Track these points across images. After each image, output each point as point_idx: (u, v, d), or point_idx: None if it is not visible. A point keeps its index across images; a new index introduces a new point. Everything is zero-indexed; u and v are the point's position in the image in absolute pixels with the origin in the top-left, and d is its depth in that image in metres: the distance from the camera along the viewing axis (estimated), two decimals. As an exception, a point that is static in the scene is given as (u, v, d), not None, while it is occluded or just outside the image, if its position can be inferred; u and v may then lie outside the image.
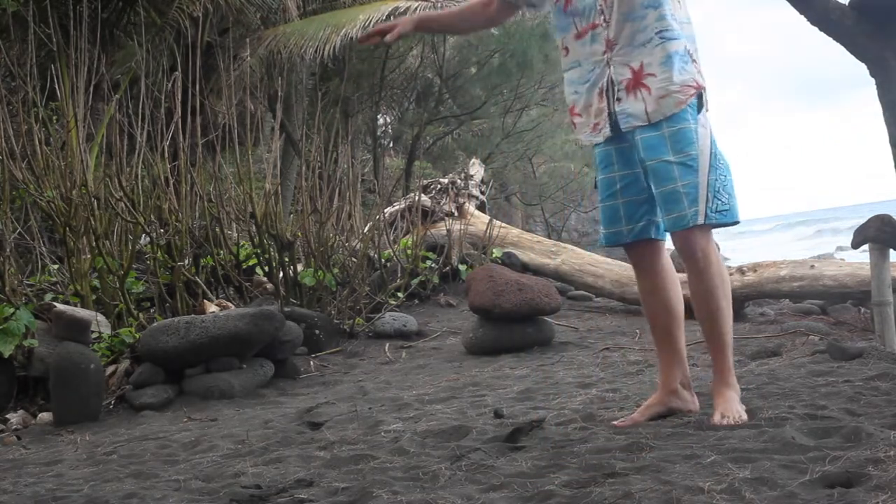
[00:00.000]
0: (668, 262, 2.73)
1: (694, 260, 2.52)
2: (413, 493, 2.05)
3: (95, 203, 4.97)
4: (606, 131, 2.61)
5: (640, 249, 2.69)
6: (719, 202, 2.49)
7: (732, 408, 2.47)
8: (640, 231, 2.65)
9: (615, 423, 2.59)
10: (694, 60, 2.55)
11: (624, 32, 2.54)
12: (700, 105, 2.53)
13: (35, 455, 3.17)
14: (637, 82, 2.53)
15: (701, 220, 2.47)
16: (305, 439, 2.88)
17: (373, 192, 12.37)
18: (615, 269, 7.05)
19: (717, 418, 2.44)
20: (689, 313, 2.69)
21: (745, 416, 2.45)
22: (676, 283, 2.71)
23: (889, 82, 4.33)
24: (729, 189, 2.53)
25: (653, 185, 2.55)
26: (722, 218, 2.50)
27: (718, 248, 2.70)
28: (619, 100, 2.56)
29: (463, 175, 8.87)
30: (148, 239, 5.38)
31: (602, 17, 2.57)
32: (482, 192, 9.23)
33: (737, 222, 2.56)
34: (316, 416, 3.28)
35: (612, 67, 2.57)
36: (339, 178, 6.41)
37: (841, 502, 1.69)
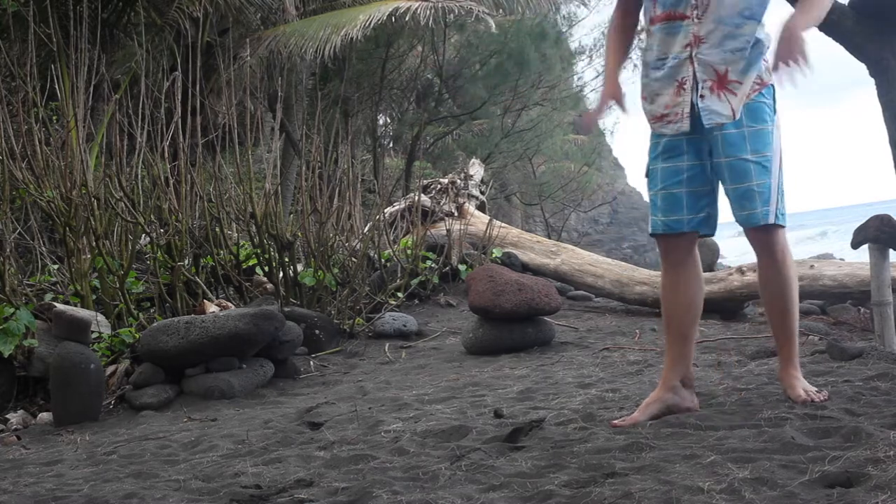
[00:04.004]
0: (696, 259, 2.75)
1: (773, 256, 2.61)
2: (413, 493, 2.06)
3: (95, 203, 4.97)
4: (683, 126, 2.60)
5: (677, 242, 2.69)
6: (783, 204, 2.59)
7: (809, 387, 2.61)
8: (699, 223, 2.67)
9: (614, 422, 2.59)
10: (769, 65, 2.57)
11: (716, 33, 2.54)
12: (775, 104, 2.59)
13: (35, 455, 3.17)
14: (722, 85, 2.54)
15: (772, 220, 2.55)
16: (305, 439, 2.88)
17: (373, 192, 12.37)
18: (615, 269, 7.05)
19: (801, 394, 2.55)
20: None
21: (825, 393, 2.58)
22: (700, 282, 2.74)
23: (889, 82, 4.34)
24: (784, 193, 2.61)
25: (727, 181, 2.59)
26: (783, 220, 2.59)
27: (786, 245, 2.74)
28: (702, 97, 2.56)
29: (463, 175, 8.87)
30: (148, 239, 5.38)
31: (694, 12, 2.55)
32: (482, 192, 9.23)
33: (785, 227, 2.65)
34: (316, 416, 3.28)
35: (696, 64, 2.56)
36: (339, 178, 6.41)
37: (841, 502, 1.69)
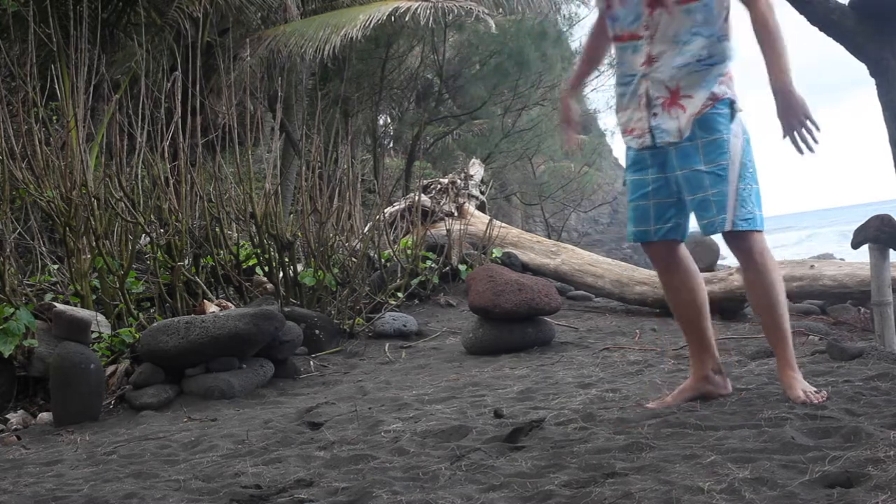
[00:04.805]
0: (686, 260, 2.82)
1: (750, 261, 2.64)
2: (413, 493, 2.06)
3: (95, 203, 4.97)
4: (646, 141, 2.68)
5: (659, 249, 2.80)
6: (744, 210, 2.58)
7: (808, 387, 2.61)
8: (667, 232, 2.75)
9: (649, 405, 2.74)
10: (731, 77, 2.62)
11: (667, 52, 2.60)
12: (732, 114, 2.59)
13: (35, 455, 3.17)
14: (673, 102, 2.60)
15: (728, 228, 2.58)
16: (305, 439, 2.88)
17: (373, 192, 12.37)
18: (615, 269, 7.05)
19: (800, 395, 2.55)
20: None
21: (824, 394, 2.58)
22: (696, 279, 2.81)
23: (889, 82, 4.34)
24: (755, 198, 2.61)
25: (686, 192, 2.64)
26: (746, 226, 2.59)
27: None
28: (655, 114, 2.64)
29: (463, 175, 8.87)
30: (148, 239, 5.38)
31: (646, 31, 2.63)
32: (482, 192, 9.23)
33: (760, 231, 2.64)
34: (316, 416, 3.28)
35: (649, 83, 2.64)
36: (339, 178, 6.41)
37: (841, 502, 1.69)
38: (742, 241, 2.62)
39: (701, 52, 2.58)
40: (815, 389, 2.62)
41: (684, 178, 2.62)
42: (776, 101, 2.49)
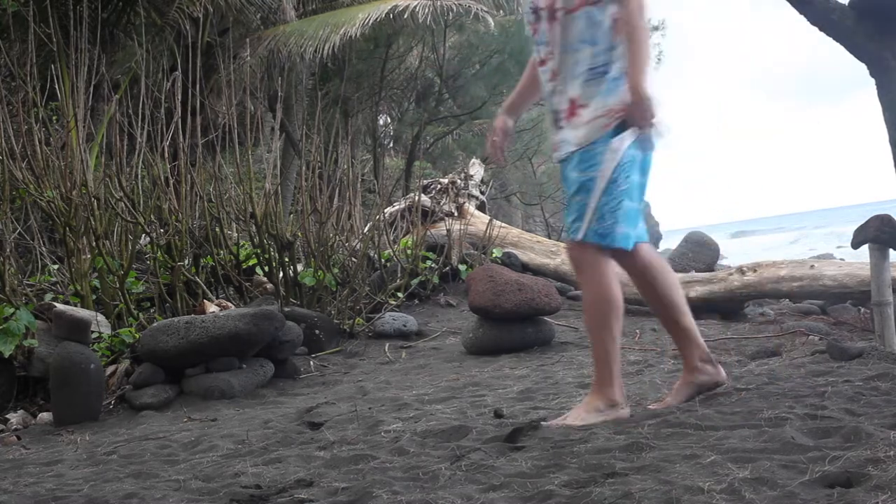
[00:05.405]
0: (648, 259, 2.80)
1: (580, 273, 2.70)
2: (413, 493, 2.05)
3: (95, 203, 4.97)
4: (559, 155, 2.74)
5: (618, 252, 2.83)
6: (601, 225, 2.61)
7: (591, 419, 2.58)
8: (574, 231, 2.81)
9: (651, 405, 2.76)
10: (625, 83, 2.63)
11: (565, 65, 2.68)
12: (620, 129, 2.61)
13: (35, 455, 3.17)
14: (572, 112, 2.66)
15: (580, 237, 2.62)
16: (305, 439, 2.88)
17: (373, 192, 12.37)
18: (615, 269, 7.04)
19: (566, 422, 2.58)
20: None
21: (591, 420, 2.56)
22: (658, 276, 2.79)
23: (889, 82, 4.33)
24: (618, 216, 2.61)
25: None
26: (600, 240, 2.62)
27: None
28: (560, 128, 2.70)
29: (463, 175, 8.87)
30: (148, 239, 5.38)
31: (549, 48, 2.72)
32: (482, 192, 9.23)
33: (617, 248, 2.64)
34: (316, 416, 3.28)
35: (555, 97, 2.71)
36: (339, 178, 6.41)
37: (841, 502, 1.69)
38: (579, 251, 2.66)
39: (591, 61, 2.63)
40: (581, 425, 2.54)
41: (566, 181, 2.70)
42: (630, 98, 2.59)
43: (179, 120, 5.44)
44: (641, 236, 2.75)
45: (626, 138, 2.60)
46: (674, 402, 2.73)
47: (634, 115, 2.58)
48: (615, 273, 2.69)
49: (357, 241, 6.57)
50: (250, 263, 6.08)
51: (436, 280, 7.04)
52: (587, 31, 2.63)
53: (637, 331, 5.42)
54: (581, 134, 2.62)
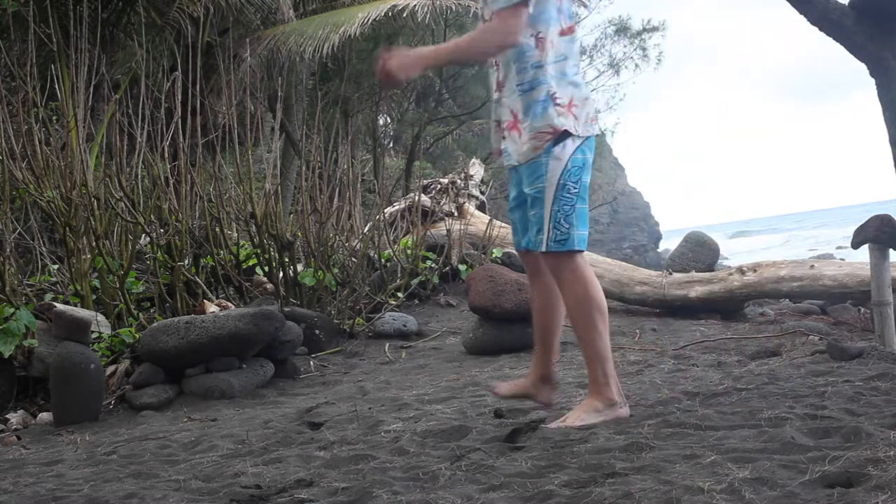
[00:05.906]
0: (547, 273, 2.85)
1: (559, 281, 2.71)
2: (413, 493, 2.06)
3: (95, 203, 4.97)
4: (503, 161, 2.81)
5: (526, 258, 2.91)
6: (558, 232, 2.64)
7: (590, 420, 2.59)
8: (528, 243, 2.82)
9: (496, 390, 3.00)
10: (557, 103, 2.63)
11: (507, 76, 2.72)
12: (558, 139, 2.63)
13: (35, 455, 3.17)
14: (514, 126, 2.70)
15: (543, 248, 2.66)
16: (305, 439, 2.88)
17: (373, 192, 12.37)
18: (615, 269, 7.04)
19: (566, 423, 2.60)
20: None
21: (591, 421, 2.57)
22: (551, 294, 2.84)
23: (889, 82, 4.34)
24: (571, 219, 2.65)
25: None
26: (560, 247, 2.65)
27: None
28: (503, 137, 2.75)
29: (463, 175, 8.87)
30: (148, 239, 5.38)
31: (496, 61, 2.76)
32: (482, 192, 9.23)
33: (575, 251, 2.66)
34: (316, 416, 3.28)
35: (500, 108, 2.76)
36: (339, 178, 6.41)
37: (841, 502, 1.69)
38: (553, 260, 2.68)
39: (519, 77, 2.66)
40: (581, 426, 2.55)
41: (524, 197, 2.74)
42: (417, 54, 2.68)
43: (179, 120, 5.44)
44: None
45: (569, 145, 2.63)
46: (507, 392, 2.95)
47: (394, 61, 2.57)
48: (592, 272, 2.71)
49: (357, 241, 6.57)
50: (250, 263, 6.08)
51: (436, 280, 7.04)
52: (518, 47, 2.65)
53: (637, 331, 5.41)
54: (523, 151, 2.67)
